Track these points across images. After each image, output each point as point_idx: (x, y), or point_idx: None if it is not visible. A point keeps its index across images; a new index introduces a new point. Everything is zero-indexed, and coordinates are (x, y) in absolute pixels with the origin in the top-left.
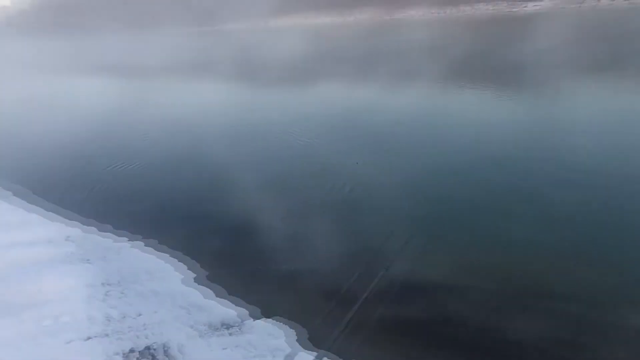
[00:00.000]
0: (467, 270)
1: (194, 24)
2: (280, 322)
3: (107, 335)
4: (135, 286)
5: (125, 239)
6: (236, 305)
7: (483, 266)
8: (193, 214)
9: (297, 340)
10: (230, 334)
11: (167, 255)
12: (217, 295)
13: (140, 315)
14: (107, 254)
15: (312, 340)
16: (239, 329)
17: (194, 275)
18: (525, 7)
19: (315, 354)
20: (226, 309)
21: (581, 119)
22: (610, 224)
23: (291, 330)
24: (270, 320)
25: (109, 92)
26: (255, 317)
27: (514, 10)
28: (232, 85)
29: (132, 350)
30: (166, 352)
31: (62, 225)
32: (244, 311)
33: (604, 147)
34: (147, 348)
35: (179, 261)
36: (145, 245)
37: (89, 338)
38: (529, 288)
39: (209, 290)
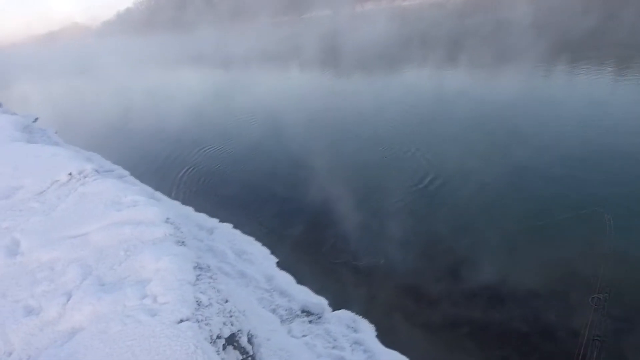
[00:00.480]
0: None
1: (282, 13)
2: (359, 315)
3: (197, 320)
4: (224, 266)
5: (217, 220)
6: (317, 293)
7: None
8: (278, 198)
9: (377, 335)
10: (310, 322)
11: (253, 238)
12: (298, 282)
13: (227, 302)
14: (200, 236)
15: (392, 338)
16: (319, 318)
17: (277, 259)
18: None
19: (394, 352)
20: (307, 297)
21: None
22: None
23: (371, 325)
24: (349, 312)
25: (204, 81)
26: (335, 307)
27: None
28: (321, 71)
29: (219, 337)
30: (250, 340)
31: (163, 206)
32: (324, 300)
33: None
34: (233, 335)
35: (263, 245)
36: (234, 227)
37: (181, 321)
38: None
39: (290, 276)
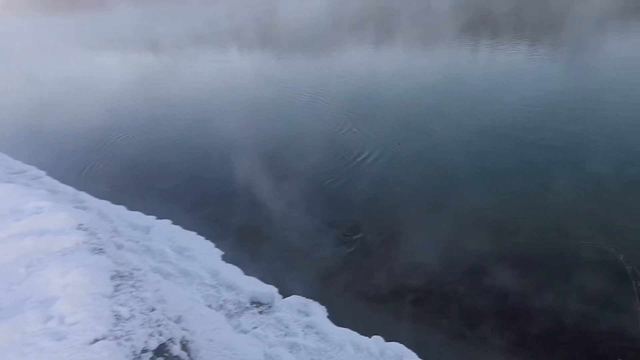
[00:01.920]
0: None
1: None
2: (310, 299)
3: (115, 337)
4: (164, 266)
5: (153, 217)
6: (265, 283)
7: None
8: (217, 188)
9: (328, 316)
10: (260, 313)
11: (195, 233)
12: (245, 273)
13: (153, 310)
14: (135, 236)
15: (342, 316)
16: (269, 307)
17: (222, 252)
18: None
19: (347, 330)
20: (255, 287)
21: None
22: None
23: (322, 306)
24: (300, 297)
25: (126, 67)
26: (285, 295)
27: None
28: (257, 53)
29: (144, 351)
30: (185, 346)
31: (75, 210)
32: (274, 288)
33: None
34: (162, 345)
35: (206, 239)
36: (173, 224)
37: (95, 341)
38: None
39: (236, 268)
